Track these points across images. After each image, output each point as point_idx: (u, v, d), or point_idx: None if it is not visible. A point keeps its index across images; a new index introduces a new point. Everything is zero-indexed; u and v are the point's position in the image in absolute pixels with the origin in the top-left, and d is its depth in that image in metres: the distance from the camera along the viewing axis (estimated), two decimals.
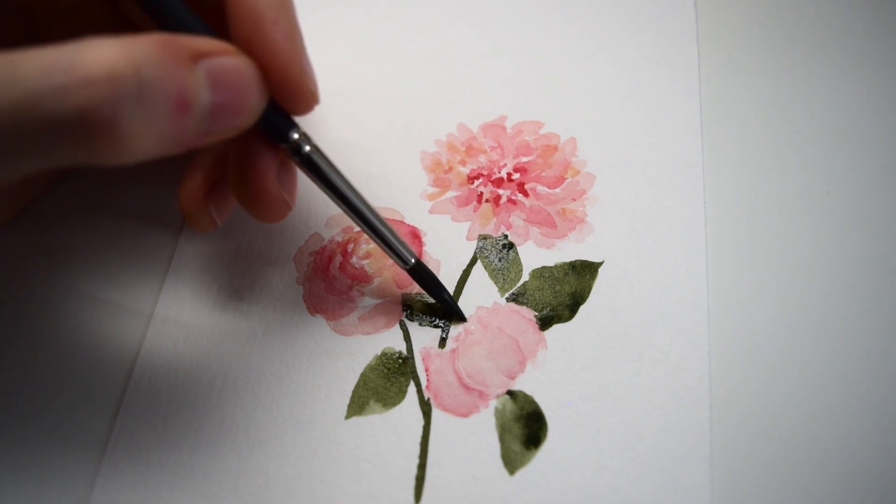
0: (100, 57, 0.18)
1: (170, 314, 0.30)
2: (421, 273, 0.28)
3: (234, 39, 0.23)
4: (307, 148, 0.25)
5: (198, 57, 0.20)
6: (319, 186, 0.26)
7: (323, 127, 0.34)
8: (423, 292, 0.30)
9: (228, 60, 0.21)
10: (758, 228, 0.30)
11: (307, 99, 0.24)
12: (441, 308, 0.29)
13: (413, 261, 0.27)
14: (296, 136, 0.24)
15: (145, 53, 0.19)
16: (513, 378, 0.28)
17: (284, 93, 0.24)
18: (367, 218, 0.26)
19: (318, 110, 0.35)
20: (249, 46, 0.23)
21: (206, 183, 0.27)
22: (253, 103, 0.22)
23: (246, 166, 0.25)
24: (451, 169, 0.33)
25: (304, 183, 0.33)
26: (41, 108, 0.18)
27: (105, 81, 0.18)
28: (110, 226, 0.32)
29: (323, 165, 0.25)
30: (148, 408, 0.28)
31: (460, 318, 0.29)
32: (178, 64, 0.20)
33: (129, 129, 0.19)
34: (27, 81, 0.18)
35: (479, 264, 0.30)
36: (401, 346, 0.29)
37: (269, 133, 0.24)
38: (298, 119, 0.25)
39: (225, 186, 0.27)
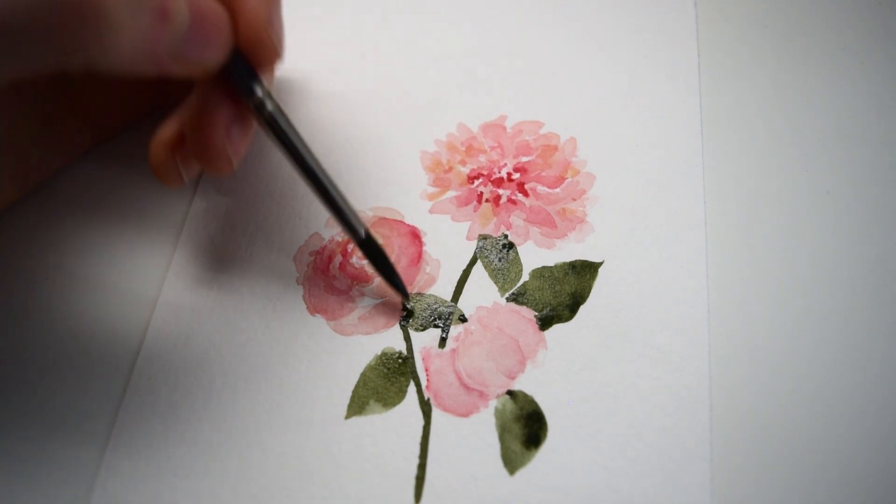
0: None
1: (170, 314, 0.30)
2: (370, 247, 0.28)
3: None
4: (269, 105, 0.25)
5: None
6: (276, 145, 0.26)
7: (323, 127, 0.34)
8: (423, 292, 0.30)
9: None
10: (758, 228, 0.30)
11: (269, 51, 0.25)
12: (440, 308, 0.29)
13: (363, 232, 0.28)
14: (259, 92, 0.25)
15: None
16: (513, 378, 0.28)
17: (248, 42, 0.24)
18: (322, 183, 0.26)
19: (317, 110, 0.35)
20: None
21: (177, 135, 0.27)
22: (222, 40, 0.23)
23: (201, 116, 0.25)
24: (451, 169, 0.33)
25: (302, 184, 0.33)
26: None
27: None
28: (110, 224, 0.32)
29: (283, 124, 0.26)
30: (148, 408, 0.28)
31: (405, 298, 0.29)
32: None
33: (116, 16, 0.19)
34: None
35: (479, 264, 0.30)
36: (401, 346, 0.29)
37: (234, 84, 0.25)
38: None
39: (198, 156, 0.27)
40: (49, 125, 0.31)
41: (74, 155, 0.33)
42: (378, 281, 0.30)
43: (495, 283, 0.30)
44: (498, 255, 0.30)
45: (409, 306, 0.29)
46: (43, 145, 0.31)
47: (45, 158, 0.32)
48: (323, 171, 0.27)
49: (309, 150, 0.26)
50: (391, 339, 0.29)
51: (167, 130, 0.27)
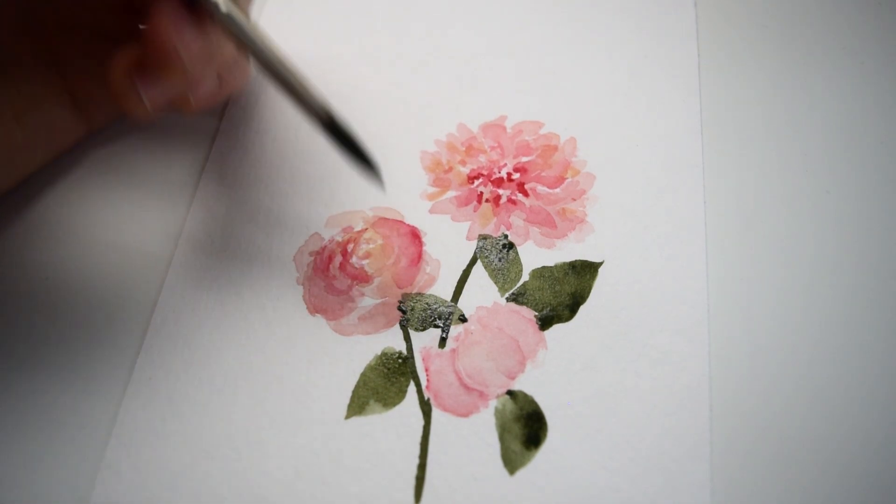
0: None
1: (170, 314, 0.30)
2: (337, 130, 0.27)
3: None
4: (223, 7, 0.25)
5: None
6: (235, 42, 0.26)
7: None
8: (423, 292, 0.30)
9: None
10: (758, 228, 0.30)
11: None
12: (440, 308, 0.29)
13: (326, 115, 0.26)
14: None
15: None
16: (513, 378, 0.28)
17: None
18: (280, 72, 0.26)
19: None
20: None
21: (137, 57, 0.26)
22: None
23: (153, 19, 0.25)
24: (451, 169, 0.33)
25: (302, 184, 0.33)
26: None
27: None
28: (111, 224, 0.32)
29: (239, 21, 0.25)
30: (148, 408, 0.28)
31: (379, 179, 0.28)
32: None
33: None
34: None
35: (479, 264, 0.30)
36: (401, 346, 0.29)
37: None
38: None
39: (154, 67, 0.26)
40: (35, 108, 0.30)
41: (66, 144, 0.33)
42: (378, 281, 0.30)
43: (495, 283, 0.30)
44: (498, 255, 0.30)
45: (383, 190, 0.27)
46: (30, 128, 0.31)
47: (34, 144, 0.31)
48: (282, 61, 0.26)
49: (268, 44, 0.26)
50: (391, 339, 0.29)
51: (128, 52, 0.26)
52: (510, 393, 0.27)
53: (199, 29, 0.26)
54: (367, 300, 0.30)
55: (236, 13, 0.25)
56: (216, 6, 0.25)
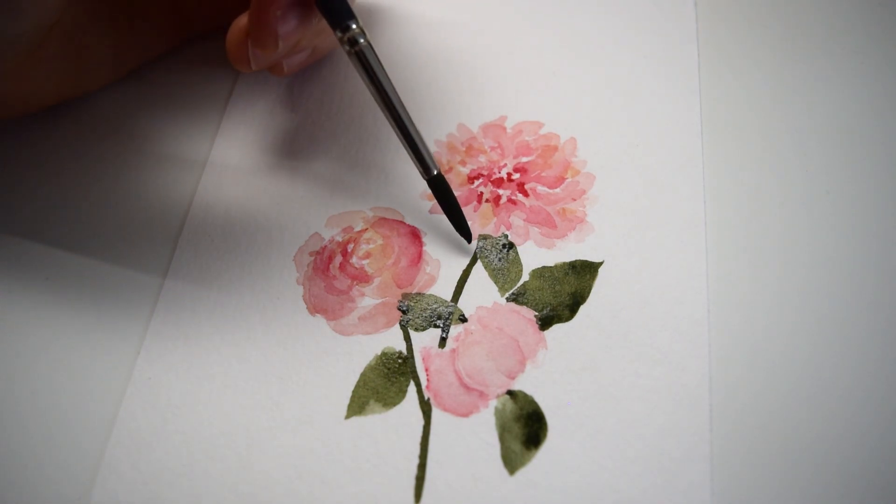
0: None
1: (170, 314, 0.30)
2: (440, 186, 0.30)
3: None
4: (362, 41, 0.27)
5: None
6: (363, 79, 0.28)
7: (323, 127, 0.34)
8: (423, 292, 0.30)
9: None
10: (758, 228, 0.30)
11: None
12: (440, 308, 0.29)
13: (435, 172, 0.29)
14: (354, 26, 0.27)
15: None
16: (513, 378, 0.28)
17: None
18: (402, 121, 0.28)
19: (318, 110, 0.35)
20: None
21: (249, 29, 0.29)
22: None
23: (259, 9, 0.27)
24: (451, 169, 0.33)
25: (301, 184, 0.33)
26: None
27: None
28: (110, 224, 0.32)
29: (372, 61, 0.28)
30: (148, 408, 0.28)
31: (468, 238, 0.30)
32: None
33: None
34: None
35: (479, 264, 0.30)
36: (401, 346, 0.29)
37: (329, 16, 0.27)
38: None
39: (257, 44, 0.29)
40: (145, 14, 0.33)
41: (163, 47, 0.36)
42: (378, 281, 0.30)
43: (495, 283, 0.30)
44: (498, 255, 0.30)
45: (471, 245, 0.30)
46: (139, 31, 0.34)
47: (140, 44, 0.34)
48: (404, 108, 0.28)
49: (393, 87, 0.28)
50: (391, 339, 0.29)
51: (241, 22, 0.29)
52: (510, 393, 0.27)
53: (303, 20, 0.28)
54: (367, 300, 0.30)
55: (372, 56, 0.27)
56: (354, 41, 0.27)
